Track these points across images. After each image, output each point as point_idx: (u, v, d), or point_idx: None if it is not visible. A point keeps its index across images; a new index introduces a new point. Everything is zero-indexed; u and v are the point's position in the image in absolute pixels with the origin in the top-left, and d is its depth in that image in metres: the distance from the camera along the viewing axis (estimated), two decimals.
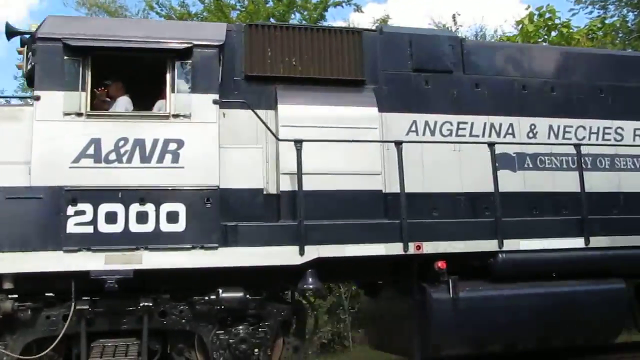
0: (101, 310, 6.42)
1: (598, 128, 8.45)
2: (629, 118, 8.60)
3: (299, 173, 6.76)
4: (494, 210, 7.29)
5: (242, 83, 7.44)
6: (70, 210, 6.25)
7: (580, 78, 8.61)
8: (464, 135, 7.88)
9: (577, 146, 7.83)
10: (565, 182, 7.98)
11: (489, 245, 7.17)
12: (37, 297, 6.40)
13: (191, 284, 6.71)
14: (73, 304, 6.25)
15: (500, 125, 8.03)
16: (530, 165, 8.02)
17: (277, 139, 6.96)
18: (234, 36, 7.50)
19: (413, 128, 7.75)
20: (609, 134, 8.51)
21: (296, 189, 6.85)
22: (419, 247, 6.94)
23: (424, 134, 7.74)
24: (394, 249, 6.86)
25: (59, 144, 6.37)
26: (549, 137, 8.18)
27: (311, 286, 6.70)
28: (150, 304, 6.46)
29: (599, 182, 8.14)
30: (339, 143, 7.07)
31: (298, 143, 6.80)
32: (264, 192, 6.98)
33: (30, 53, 6.80)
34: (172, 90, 6.74)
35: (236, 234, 6.59)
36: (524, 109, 8.16)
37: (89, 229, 6.27)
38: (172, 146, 6.59)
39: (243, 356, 6.64)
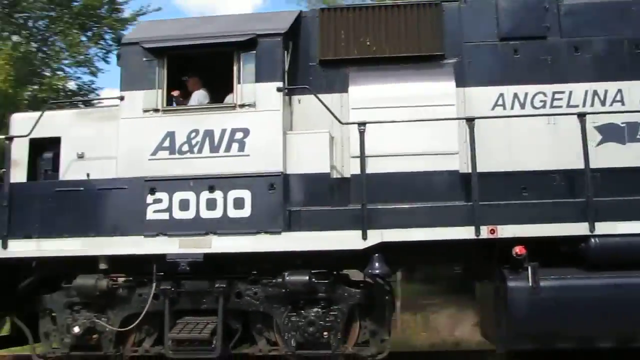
0: (182, 290, 6.96)
1: None
2: None
3: (362, 155, 6.63)
4: (586, 189, 6.45)
5: (317, 68, 7.50)
6: (150, 199, 6.86)
7: None
8: (561, 107, 7.05)
9: None
10: None
11: (577, 228, 6.35)
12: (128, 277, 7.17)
13: (262, 267, 6.97)
14: (154, 284, 6.89)
15: (606, 92, 7.05)
16: None
17: (340, 122, 6.89)
18: (309, 22, 7.59)
19: (500, 102, 7.14)
20: None
21: (372, 172, 6.76)
22: (492, 231, 6.41)
23: (512, 107, 7.10)
24: (465, 233, 6.43)
25: (139, 138, 7.01)
26: None
27: (377, 271, 6.56)
28: (224, 286, 6.85)
29: None
30: (412, 122, 6.78)
31: (361, 125, 6.67)
32: (332, 177, 6.97)
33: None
34: (238, 81, 7.01)
35: (299, 218, 6.70)
36: (636, 72, 7.05)
37: (165, 216, 6.83)
38: (239, 135, 6.87)
39: (312, 339, 6.74)
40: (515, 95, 7.12)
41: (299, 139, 6.95)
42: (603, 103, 7.05)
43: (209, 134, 6.91)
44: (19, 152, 7.64)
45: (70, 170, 7.38)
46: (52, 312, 7.33)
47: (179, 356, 6.82)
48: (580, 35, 7.23)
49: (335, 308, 6.84)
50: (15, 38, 16.78)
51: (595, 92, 7.06)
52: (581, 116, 6.56)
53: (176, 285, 6.95)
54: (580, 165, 6.61)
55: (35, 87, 16.53)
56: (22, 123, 7.65)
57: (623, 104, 7.03)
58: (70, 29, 16.60)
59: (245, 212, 6.73)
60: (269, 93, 6.91)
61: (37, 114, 7.65)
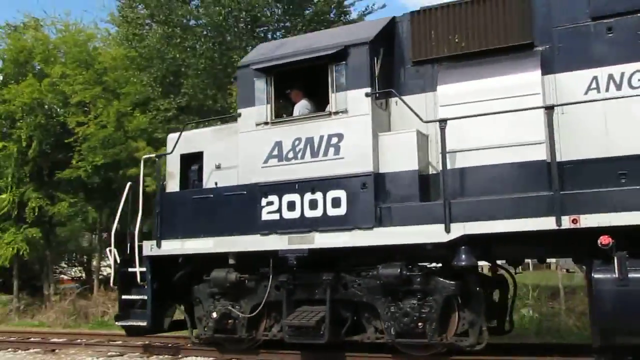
0: (297, 282, 7.84)
1: None
2: None
3: (444, 151, 6.91)
4: None
5: (411, 70, 7.90)
6: (263, 202, 7.84)
7: None
8: None
9: None
10: None
11: None
12: (253, 271, 8.26)
13: (363, 260, 7.56)
14: (271, 276, 7.88)
15: None
16: None
17: (422, 121, 7.19)
18: (403, 26, 8.00)
19: (593, 85, 6.84)
20: None
21: (456, 167, 7.00)
22: (575, 221, 6.23)
23: (607, 90, 6.75)
24: (546, 223, 6.34)
25: (253, 148, 8.06)
26: None
27: (463, 263, 6.77)
28: (331, 278, 7.58)
29: None
30: (496, 115, 6.83)
31: (442, 122, 6.92)
32: (424, 173, 7.29)
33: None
34: (332, 91, 7.69)
35: (390, 214, 7.17)
36: None
37: (277, 216, 7.76)
38: (334, 140, 7.55)
39: (407, 329, 7.17)
40: (610, 77, 6.76)
41: (389, 140, 7.42)
42: None
43: (309, 141, 7.69)
44: (173, 166, 9.20)
45: (210, 180, 8.72)
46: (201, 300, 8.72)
47: (293, 340, 7.72)
48: None
49: (431, 299, 7.16)
50: None
51: None
52: None
53: (292, 278, 7.85)
54: None
55: None
56: (173, 141, 9.18)
57: None
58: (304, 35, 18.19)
59: (342, 210, 7.39)
60: (358, 99, 7.48)
61: (184, 133, 9.14)
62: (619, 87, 6.71)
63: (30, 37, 21.39)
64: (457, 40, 7.55)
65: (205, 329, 8.56)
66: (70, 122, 18.12)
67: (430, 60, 7.72)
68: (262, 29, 18.26)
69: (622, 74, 6.70)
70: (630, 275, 6.00)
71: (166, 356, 9.26)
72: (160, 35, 17.58)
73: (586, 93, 6.84)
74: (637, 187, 6.14)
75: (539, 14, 7.24)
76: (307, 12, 18.24)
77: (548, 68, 7.04)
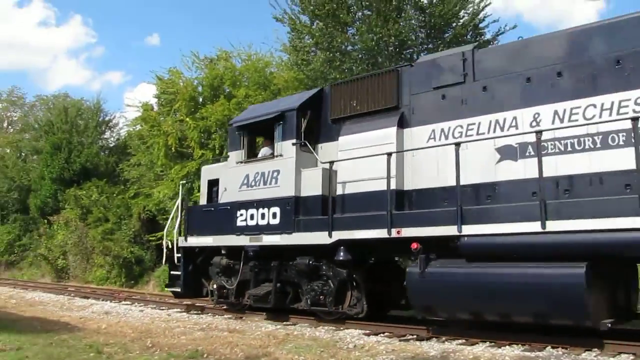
0: (259, 267, 11.94)
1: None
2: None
3: (331, 183, 10.56)
4: (454, 201, 8.99)
5: (330, 125, 11.50)
6: (238, 214, 11.98)
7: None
8: (472, 135, 9.45)
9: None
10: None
11: (449, 230, 8.95)
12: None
13: (293, 254, 11.38)
14: (242, 263, 12.10)
15: (504, 119, 9.22)
16: (532, 153, 8.73)
17: (319, 162, 11.00)
18: (327, 94, 11.71)
19: (432, 136, 9.95)
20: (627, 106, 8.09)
21: (341, 193, 10.63)
22: (399, 232, 9.50)
23: (439, 139, 9.86)
24: (382, 233, 9.67)
25: (234, 178, 12.24)
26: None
27: (340, 258, 10.40)
28: (276, 264, 11.60)
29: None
30: (366, 158, 10.23)
31: (331, 163, 10.58)
32: (324, 196, 10.78)
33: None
34: (276, 141, 11.65)
35: (302, 224, 10.94)
36: (525, 101, 9.07)
37: (244, 223, 11.85)
38: (275, 174, 11.45)
39: (316, 300, 10.97)
40: (442, 130, 9.84)
41: (306, 174, 11.13)
42: (502, 128, 9.19)
43: (263, 174, 11.69)
44: (203, 188, 13.70)
45: (222, 198, 12.92)
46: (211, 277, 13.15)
47: (254, 305, 12.04)
48: (486, 77, 9.54)
49: (330, 281, 10.82)
50: None
51: (497, 121, 9.29)
52: (457, 145, 9.02)
53: (256, 264, 11.90)
54: (480, 180, 9.22)
55: None
56: (204, 170, 13.77)
57: (517, 128, 9.05)
58: None
59: (277, 220, 11.30)
60: (289, 147, 11.31)
61: (209, 165, 13.65)
62: (446, 137, 9.75)
63: (222, 66, 26.87)
64: (354, 104, 11.04)
65: (214, 297, 12.95)
66: None
67: (340, 118, 11.26)
68: (408, 51, 20.43)
69: (449, 128, 9.74)
70: (427, 270, 9.17)
71: (195, 313, 13.66)
72: (323, 60, 20.21)
73: (427, 141, 9.96)
74: (438, 210, 9.31)
75: (403, 85, 10.47)
76: (447, 35, 20.19)
77: (406, 124, 10.27)
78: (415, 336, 9.70)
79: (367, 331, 10.22)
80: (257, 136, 12.88)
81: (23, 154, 45.08)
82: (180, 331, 10.34)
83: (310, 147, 11.43)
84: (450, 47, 19.06)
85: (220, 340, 9.22)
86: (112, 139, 41.01)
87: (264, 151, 12.28)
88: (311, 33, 21.03)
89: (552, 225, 8.02)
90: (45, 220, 32.64)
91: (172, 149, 22.93)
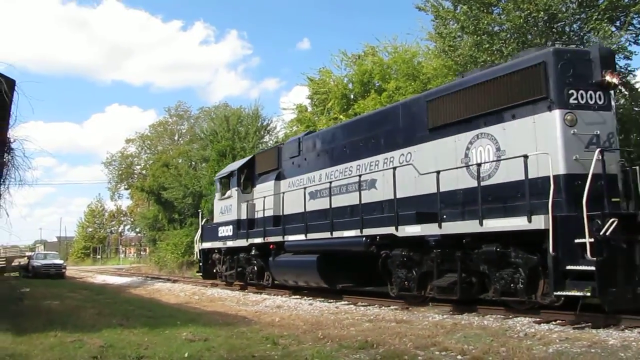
0: (232, 261, 21.14)
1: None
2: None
3: (249, 212, 19.46)
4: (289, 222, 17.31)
5: (256, 177, 19.87)
6: (219, 229, 21.24)
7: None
8: (300, 184, 17.19)
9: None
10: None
11: (280, 238, 17.00)
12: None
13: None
14: (222, 257, 21.85)
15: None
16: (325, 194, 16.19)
17: (239, 201, 19.95)
18: (256, 158, 20.61)
19: (289, 185, 18.03)
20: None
21: (254, 217, 19.24)
22: (266, 239, 17.80)
23: (296, 187, 17.68)
24: (260, 240, 18.10)
25: (216, 209, 21.91)
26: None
27: (252, 253, 18.94)
28: (237, 257, 20.81)
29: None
30: (259, 199, 18.42)
31: (250, 201, 19.41)
32: (249, 220, 19.37)
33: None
34: (231, 187, 20.74)
35: (240, 235, 19.56)
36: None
37: (220, 235, 21.04)
38: (230, 207, 20.40)
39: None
40: (291, 182, 17.75)
41: (243, 205, 19.62)
42: (311, 181, 16.64)
43: (227, 207, 20.69)
44: (214, 209, 23.05)
45: (218, 219, 21.86)
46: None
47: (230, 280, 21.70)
48: (306, 152, 17.41)
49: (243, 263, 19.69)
50: (557, 44, 20.44)
51: (309, 177, 16.81)
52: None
53: (228, 257, 21.03)
54: (299, 210, 16.37)
55: None
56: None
57: (317, 181, 16.44)
58: (601, 24, 18.01)
59: (230, 233, 20.17)
60: (235, 190, 20.18)
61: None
62: (292, 185, 17.54)
63: (369, 61, 27.56)
64: (263, 166, 19.52)
65: (219, 277, 22.15)
66: None
67: (260, 173, 19.59)
68: (559, 24, 19.41)
69: (293, 181, 17.60)
70: (276, 258, 17.44)
71: (362, 305, 13.91)
72: (471, 44, 19.57)
73: (286, 188, 17.79)
74: (277, 228, 17.49)
75: (281, 156, 18.54)
76: (601, 1, 18.47)
77: (281, 178, 18.33)
78: (590, 324, 9.16)
79: (538, 319, 9.85)
80: (224, 184, 21.67)
81: (193, 163, 48.85)
82: (349, 323, 10.65)
83: (247, 190, 20.03)
84: (607, 14, 17.77)
85: (389, 330, 9.34)
86: (271, 142, 43.06)
87: (230, 192, 20.69)
88: (456, 18, 20.46)
89: (310, 236, 15.68)
90: None
91: None
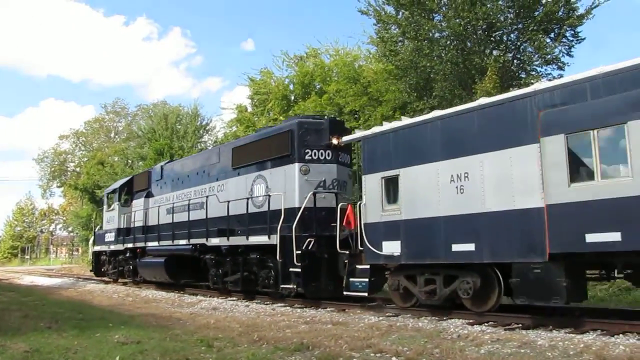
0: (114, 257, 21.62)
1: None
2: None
3: (124, 222, 24.08)
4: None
5: (134, 193, 24.41)
6: (105, 235, 24.64)
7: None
8: (163, 202, 21.62)
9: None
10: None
11: (143, 244, 21.58)
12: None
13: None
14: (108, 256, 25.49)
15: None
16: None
17: (119, 213, 24.82)
18: (133, 178, 25.61)
19: (154, 202, 22.65)
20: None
21: (133, 227, 23.34)
22: (126, 245, 22.99)
23: (154, 204, 22.93)
24: (130, 246, 22.77)
25: (105, 218, 26.55)
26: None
27: (127, 254, 22.29)
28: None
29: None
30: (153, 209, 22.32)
31: (127, 213, 23.57)
32: (119, 228, 24.45)
33: None
34: (114, 201, 25.40)
35: (120, 240, 24.14)
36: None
37: (108, 239, 24.96)
38: (114, 217, 24.73)
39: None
40: (156, 200, 22.18)
41: (123, 216, 24.04)
42: (169, 200, 21.04)
43: (111, 217, 25.11)
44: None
45: (105, 227, 26.14)
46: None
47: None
48: (166, 176, 22.12)
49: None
50: (495, 52, 20.51)
51: (167, 197, 21.35)
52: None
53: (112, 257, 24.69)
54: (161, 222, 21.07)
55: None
56: None
57: (171, 200, 20.84)
58: (537, 35, 18.94)
59: (113, 239, 24.48)
60: (115, 205, 24.76)
61: None
62: (154, 204, 22.22)
63: (311, 63, 27.58)
64: (138, 186, 23.98)
65: (107, 275, 26.29)
66: None
67: (137, 191, 23.82)
68: (497, 33, 20.12)
69: (157, 199, 22.18)
70: (140, 260, 21.79)
71: (299, 307, 14.08)
72: (412, 49, 20.13)
73: (152, 204, 22.27)
74: (144, 235, 22.20)
75: (151, 178, 23.26)
76: (538, 13, 19.27)
77: (151, 196, 22.75)
78: (520, 325, 9.54)
79: (471, 320, 10.16)
80: (110, 198, 25.94)
81: (130, 161, 47.76)
82: (285, 325, 10.61)
83: (127, 204, 24.05)
84: (542, 26, 18.39)
85: (325, 332, 9.34)
86: (210, 142, 42.59)
87: (139, 201, 23.35)
88: (397, 23, 20.90)
89: (162, 243, 20.22)
90: None
91: None
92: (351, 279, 12.56)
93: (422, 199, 10.97)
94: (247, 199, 15.71)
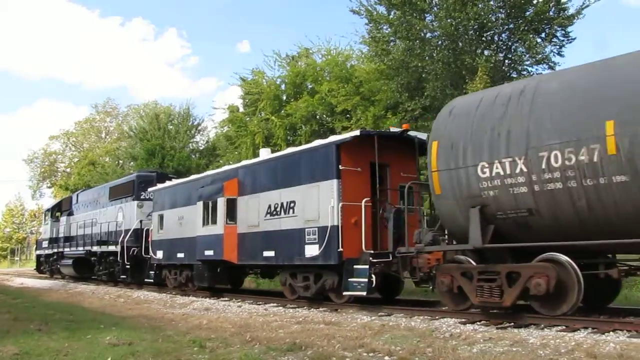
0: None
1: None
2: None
3: (55, 233, 31.93)
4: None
5: (63, 212, 31.00)
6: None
7: None
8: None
9: None
10: None
11: (62, 250, 30.17)
12: None
13: None
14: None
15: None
16: None
17: (51, 227, 29.31)
18: (74, 197, 28.30)
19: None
20: None
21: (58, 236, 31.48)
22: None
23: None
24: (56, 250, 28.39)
25: (43, 230, 31.72)
26: None
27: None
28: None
29: None
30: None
31: (56, 227, 27.95)
32: (51, 237, 31.89)
33: None
34: (50, 217, 33.46)
35: (49, 247, 31.22)
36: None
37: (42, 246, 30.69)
38: (47, 230, 32.57)
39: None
40: (74, 218, 29.62)
41: (54, 228, 31.97)
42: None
43: (47, 229, 32.76)
44: None
45: (43, 236, 30.41)
46: None
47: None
48: (80, 201, 29.95)
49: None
50: (486, 52, 20.60)
51: (83, 216, 28.59)
52: None
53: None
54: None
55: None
56: None
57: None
58: (527, 35, 19.14)
59: (47, 245, 32.17)
60: (49, 219, 32.62)
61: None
62: (71, 221, 30.12)
63: (303, 63, 27.55)
64: (65, 206, 27.32)
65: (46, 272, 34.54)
66: (336, 127, 23.15)
67: (64, 210, 31.39)
68: (488, 33, 20.24)
69: (76, 217, 29.71)
70: (61, 261, 30.29)
71: (291, 307, 14.02)
72: (403, 49, 20.28)
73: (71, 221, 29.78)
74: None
75: (72, 201, 31.04)
76: (528, 13, 19.54)
77: (71, 214, 30.35)
78: (512, 323, 9.58)
79: (463, 320, 10.18)
80: (46, 214, 34.36)
81: (121, 161, 47.52)
82: (277, 325, 10.57)
83: (58, 220, 31.45)
84: (533, 25, 18.47)
85: (317, 332, 9.31)
86: (202, 142, 42.46)
87: (47, 220, 32.49)
88: (389, 22, 20.94)
89: (72, 249, 28.96)
90: None
91: (260, 147, 23.34)
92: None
93: (172, 227, 19.81)
94: (114, 222, 24.32)
